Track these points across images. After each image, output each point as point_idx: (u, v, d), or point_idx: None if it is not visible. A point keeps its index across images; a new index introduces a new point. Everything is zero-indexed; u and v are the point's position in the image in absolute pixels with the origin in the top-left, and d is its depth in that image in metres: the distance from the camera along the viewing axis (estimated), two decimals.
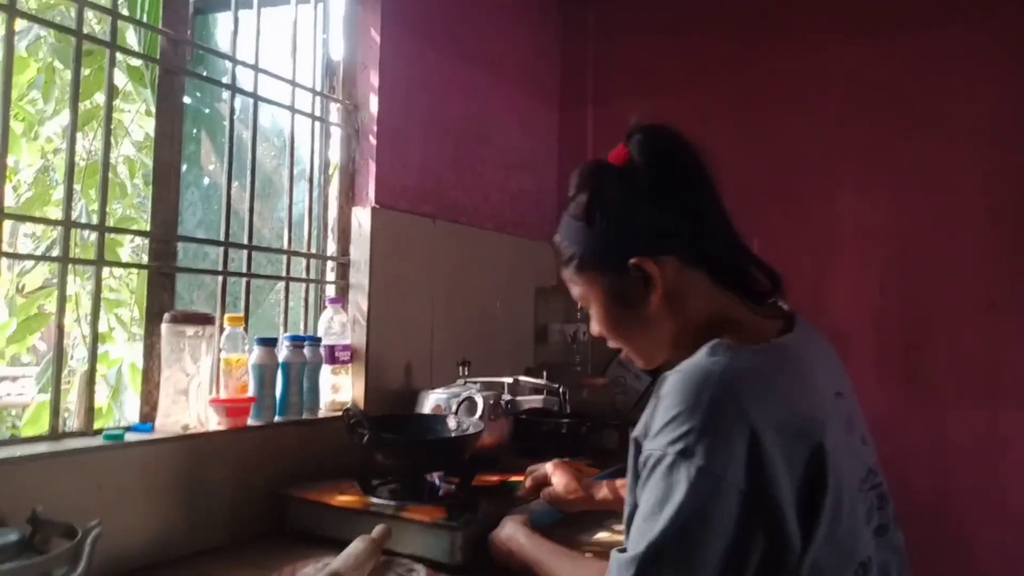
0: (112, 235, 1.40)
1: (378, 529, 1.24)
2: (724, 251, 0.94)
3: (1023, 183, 2.01)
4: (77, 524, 1.02)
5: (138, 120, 3.17)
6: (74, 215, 1.35)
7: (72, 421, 1.29)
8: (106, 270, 1.46)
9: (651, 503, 0.79)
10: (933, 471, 2.09)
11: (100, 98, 2.70)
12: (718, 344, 0.83)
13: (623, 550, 0.82)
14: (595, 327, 1.02)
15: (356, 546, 1.17)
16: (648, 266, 0.91)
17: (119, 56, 1.44)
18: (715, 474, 0.75)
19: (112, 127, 2.22)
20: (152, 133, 1.45)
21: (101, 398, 2.54)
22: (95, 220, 1.37)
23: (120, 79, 2.71)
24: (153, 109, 1.52)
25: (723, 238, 0.94)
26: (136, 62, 2.49)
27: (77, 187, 2.86)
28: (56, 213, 2.85)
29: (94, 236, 1.36)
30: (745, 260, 0.96)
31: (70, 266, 1.36)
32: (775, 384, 0.82)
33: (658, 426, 0.80)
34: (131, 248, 3.12)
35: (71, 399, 2.10)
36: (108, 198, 1.38)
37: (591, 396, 2.19)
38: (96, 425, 1.34)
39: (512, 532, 1.22)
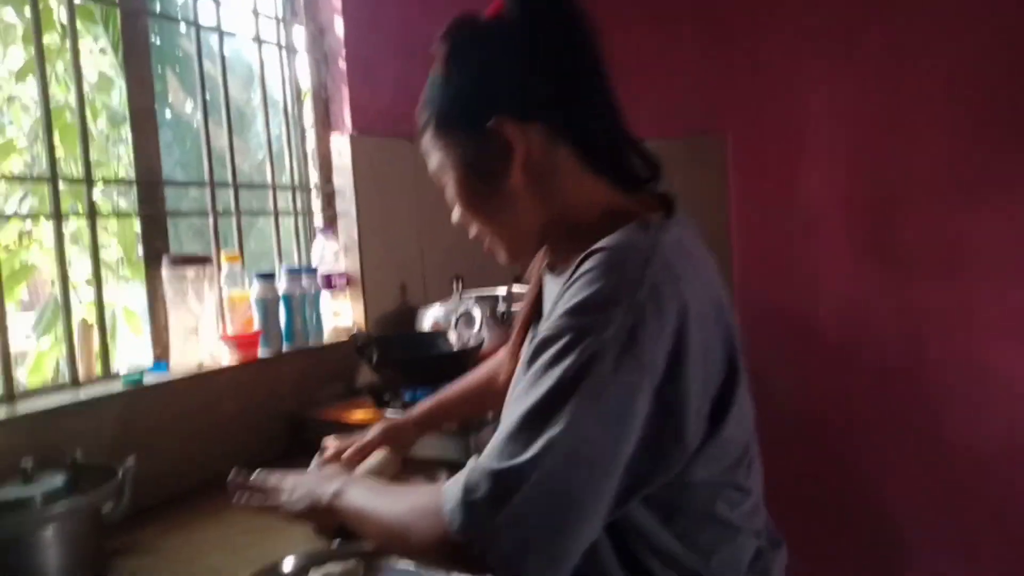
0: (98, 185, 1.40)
1: (378, 455, 1.22)
2: (599, 128, 0.81)
3: (988, 62, 2.04)
4: (115, 466, 1.10)
5: (92, 60, 3.07)
6: (35, 166, 1.34)
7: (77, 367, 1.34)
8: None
9: (539, 392, 0.66)
10: (907, 342, 2.22)
11: (48, 40, 2.61)
12: (644, 220, 0.75)
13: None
14: (455, 212, 0.88)
15: (376, 456, 1.22)
16: (508, 129, 0.78)
17: None
18: (642, 363, 0.65)
19: (58, 69, 2.18)
20: (106, 72, 1.44)
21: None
22: (62, 169, 1.35)
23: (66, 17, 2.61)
24: (103, 46, 1.48)
25: (600, 113, 0.81)
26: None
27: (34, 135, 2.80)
28: (12, 166, 2.79)
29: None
30: (623, 143, 0.83)
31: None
32: (700, 263, 0.76)
33: (569, 304, 0.69)
34: (100, 192, 3.08)
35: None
36: (81, 147, 1.37)
37: None
38: (96, 367, 1.38)
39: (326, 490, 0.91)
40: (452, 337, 1.68)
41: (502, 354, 1.24)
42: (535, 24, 0.79)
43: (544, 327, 0.70)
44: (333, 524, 0.93)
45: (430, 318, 1.82)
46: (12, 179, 2.46)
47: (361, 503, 0.83)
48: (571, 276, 0.71)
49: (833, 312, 2.33)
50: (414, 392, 1.55)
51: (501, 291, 1.87)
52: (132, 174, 1.45)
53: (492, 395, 1.20)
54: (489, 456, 0.68)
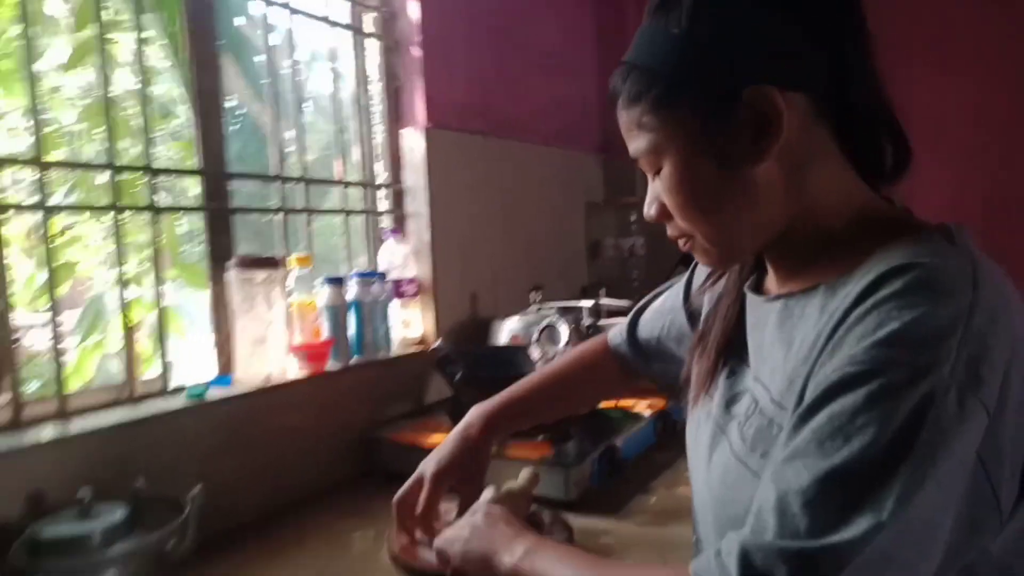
0: (160, 177, 1.27)
1: (524, 474, 1.03)
2: (869, 103, 0.64)
3: None
4: (178, 494, 0.96)
5: (135, 49, 2.97)
6: (85, 157, 1.21)
7: (116, 372, 1.21)
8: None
9: (856, 448, 0.50)
10: None
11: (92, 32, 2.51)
12: (957, 231, 0.60)
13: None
14: (654, 203, 0.69)
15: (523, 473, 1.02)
16: (770, 100, 0.60)
17: None
18: (986, 410, 0.51)
19: (110, 60, 2.07)
20: (150, 62, 1.31)
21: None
22: (107, 160, 1.22)
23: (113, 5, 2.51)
24: (145, 36, 1.34)
25: (871, 83, 0.64)
26: None
27: (83, 127, 2.70)
28: (57, 157, 2.68)
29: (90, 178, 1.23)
30: (888, 122, 0.65)
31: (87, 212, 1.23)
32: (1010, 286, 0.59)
33: (880, 333, 0.52)
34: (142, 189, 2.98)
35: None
36: (134, 137, 1.23)
37: None
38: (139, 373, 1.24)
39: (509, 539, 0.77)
40: (535, 353, 1.52)
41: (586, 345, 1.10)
42: None
43: (837, 363, 0.53)
44: None
45: (507, 331, 1.67)
46: (71, 165, 2.34)
47: (567, 572, 0.68)
48: (859, 296, 0.55)
49: None
50: None
51: (585, 303, 1.72)
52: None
53: (596, 384, 1.10)
54: (779, 530, 0.50)
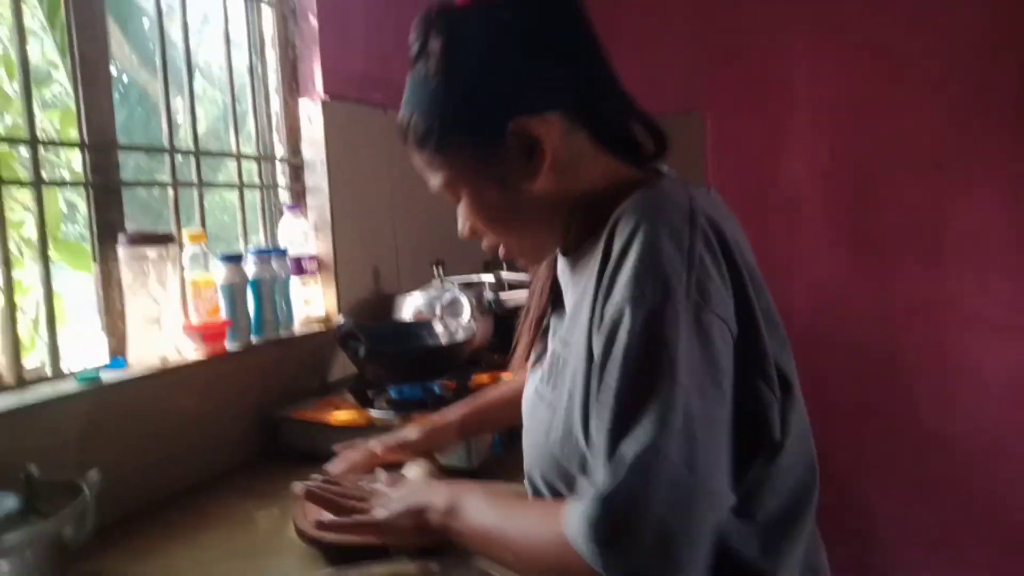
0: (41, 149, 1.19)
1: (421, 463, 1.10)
2: (611, 104, 0.75)
3: (974, 45, 2.04)
4: (73, 476, 0.93)
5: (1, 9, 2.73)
6: None
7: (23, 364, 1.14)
8: None
9: (631, 374, 0.59)
10: (882, 328, 2.23)
11: None
12: (667, 176, 0.72)
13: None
14: (465, 223, 0.79)
15: (419, 466, 1.09)
16: (533, 128, 0.70)
17: None
18: (723, 320, 0.61)
19: None
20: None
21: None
22: None
23: None
24: None
25: (608, 88, 0.75)
26: None
27: None
28: None
29: None
30: (630, 115, 0.76)
31: None
32: (734, 225, 0.71)
33: (629, 273, 0.62)
34: (16, 163, 2.76)
35: None
36: (24, 105, 1.16)
37: None
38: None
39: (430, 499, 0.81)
40: (438, 328, 1.55)
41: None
42: (534, 2, 0.71)
43: (610, 305, 0.63)
44: (422, 542, 0.82)
45: (410, 307, 1.68)
46: None
47: (488, 523, 0.73)
48: (607, 243, 0.65)
49: (808, 293, 2.31)
50: (400, 389, 1.42)
51: (487, 278, 1.75)
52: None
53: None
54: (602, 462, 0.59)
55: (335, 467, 1.06)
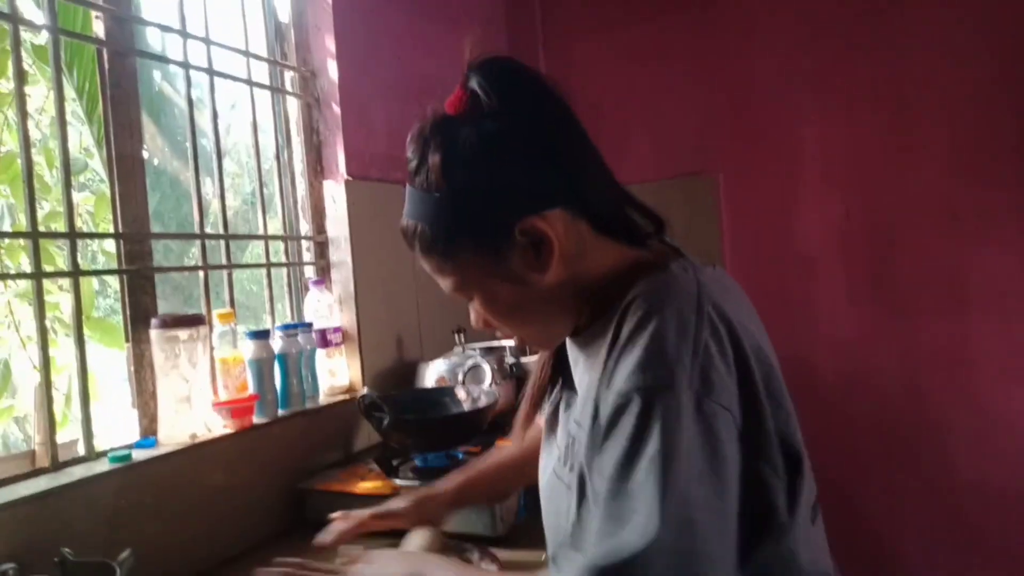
0: (79, 240, 1.27)
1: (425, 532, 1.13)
2: (607, 195, 0.79)
3: (979, 98, 2.06)
4: (105, 557, 0.96)
5: (47, 105, 2.90)
6: None
7: (33, 438, 1.19)
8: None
9: (631, 460, 0.61)
10: (907, 382, 2.19)
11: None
12: (678, 262, 0.74)
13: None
14: (478, 318, 0.83)
15: (421, 535, 1.11)
16: (539, 226, 0.72)
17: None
18: (726, 409, 0.63)
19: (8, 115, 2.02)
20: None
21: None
22: (17, 220, 1.23)
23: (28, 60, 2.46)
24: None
25: (601, 179, 0.78)
26: (40, 39, 2.24)
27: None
28: None
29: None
30: (625, 202, 0.80)
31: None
32: (740, 303, 0.74)
33: (634, 361, 0.64)
34: (53, 246, 2.89)
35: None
36: (64, 198, 1.24)
37: None
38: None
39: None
40: (460, 394, 1.57)
41: (534, 431, 1.16)
42: (515, 107, 0.74)
43: (612, 392, 0.65)
44: None
45: (433, 374, 1.71)
46: None
47: None
48: (617, 329, 0.68)
49: (831, 353, 2.29)
50: (424, 457, 1.44)
51: (508, 342, 1.78)
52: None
53: (529, 469, 1.10)
54: (596, 543, 0.61)
55: (325, 537, 1.08)
